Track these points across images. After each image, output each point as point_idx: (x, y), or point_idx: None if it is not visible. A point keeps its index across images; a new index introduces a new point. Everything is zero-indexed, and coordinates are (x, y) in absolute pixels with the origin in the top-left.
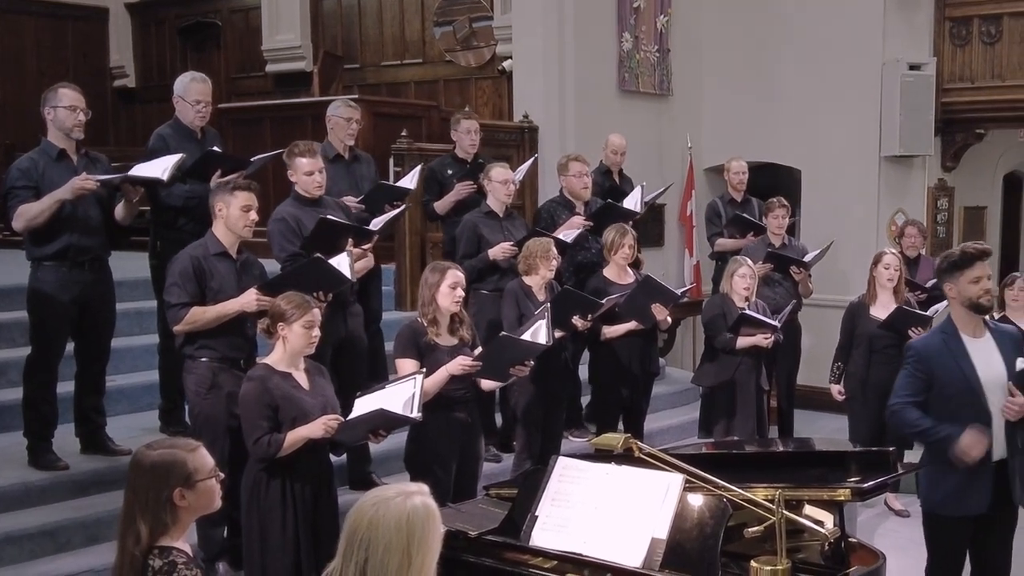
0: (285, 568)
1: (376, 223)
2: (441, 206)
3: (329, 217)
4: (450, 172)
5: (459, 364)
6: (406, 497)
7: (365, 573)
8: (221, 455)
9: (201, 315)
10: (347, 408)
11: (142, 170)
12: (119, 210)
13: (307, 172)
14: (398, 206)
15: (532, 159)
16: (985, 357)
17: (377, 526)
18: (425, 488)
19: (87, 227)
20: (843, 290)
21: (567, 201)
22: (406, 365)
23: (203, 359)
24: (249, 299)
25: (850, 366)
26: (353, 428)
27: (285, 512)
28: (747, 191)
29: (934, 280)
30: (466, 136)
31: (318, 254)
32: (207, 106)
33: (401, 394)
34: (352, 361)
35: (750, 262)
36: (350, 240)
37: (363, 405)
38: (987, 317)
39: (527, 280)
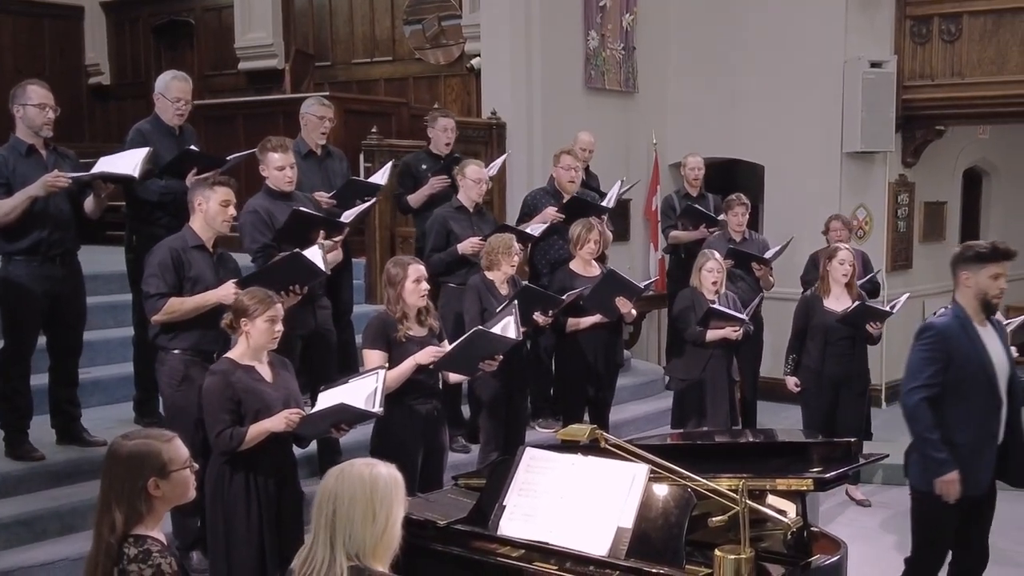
0: (250, 559)
1: (347, 215)
2: (415, 199)
3: (302, 209)
4: (424, 167)
5: (427, 354)
6: (371, 464)
7: (334, 525)
8: (193, 446)
9: (179, 306)
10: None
11: (112, 165)
12: (88, 204)
13: (278, 167)
14: (369, 201)
15: (504, 156)
16: (992, 344)
17: (343, 481)
18: (392, 465)
19: (58, 222)
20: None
21: (555, 192)
22: (373, 356)
23: (175, 351)
24: (227, 291)
25: (804, 358)
26: (315, 422)
27: (249, 504)
28: (711, 187)
29: (867, 277)
30: (442, 133)
31: (296, 249)
32: (186, 104)
33: (363, 388)
34: (322, 354)
35: (718, 255)
36: (322, 232)
37: (325, 399)
38: None
39: (489, 275)
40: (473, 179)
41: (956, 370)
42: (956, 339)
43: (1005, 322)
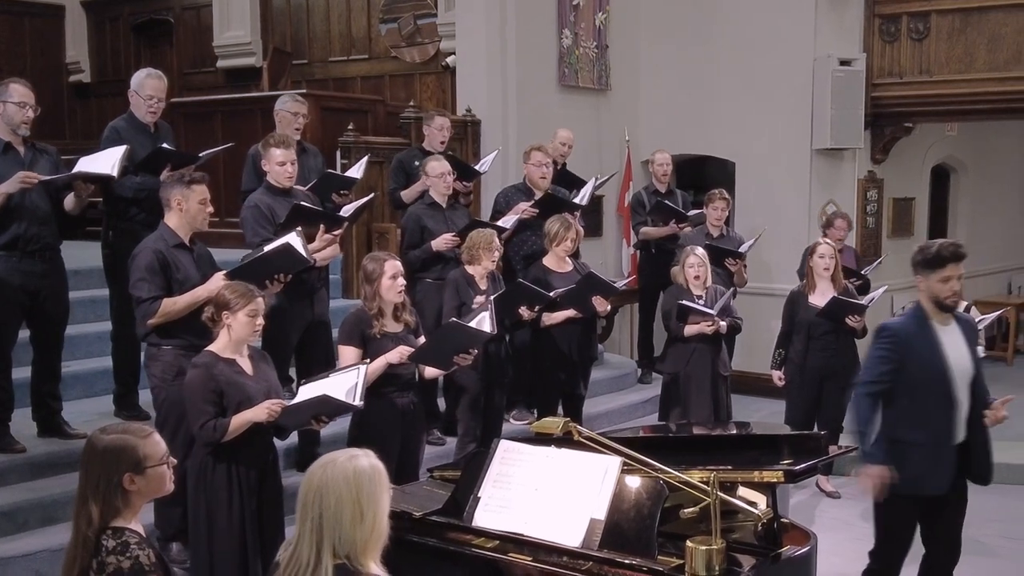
0: (232, 550)
1: (347, 210)
2: (408, 195)
3: (303, 203)
4: (417, 164)
5: (397, 353)
6: (352, 457)
7: (321, 529)
8: (184, 439)
9: (172, 306)
10: None
11: (91, 165)
12: (69, 201)
13: (279, 162)
14: (346, 195)
15: (496, 152)
16: (953, 345)
17: (327, 483)
18: (371, 452)
19: (35, 216)
20: (777, 279)
21: (527, 188)
22: (348, 353)
23: (167, 347)
24: (217, 285)
25: (789, 352)
26: (296, 413)
27: (231, 495)
28: (683, 183)
29: (865, 269)
30: (438, 132)
31: (286, 241)
32: (159, 102)
33: (345, 382)
34: (319, 344)
35: (700, 250)
36: (320, 225)
37: (307, 391)
38: None
39: (469, 269)
40: (435, 175)
41: (911, 372)
42: (912, 341)
43: (978, 318)
